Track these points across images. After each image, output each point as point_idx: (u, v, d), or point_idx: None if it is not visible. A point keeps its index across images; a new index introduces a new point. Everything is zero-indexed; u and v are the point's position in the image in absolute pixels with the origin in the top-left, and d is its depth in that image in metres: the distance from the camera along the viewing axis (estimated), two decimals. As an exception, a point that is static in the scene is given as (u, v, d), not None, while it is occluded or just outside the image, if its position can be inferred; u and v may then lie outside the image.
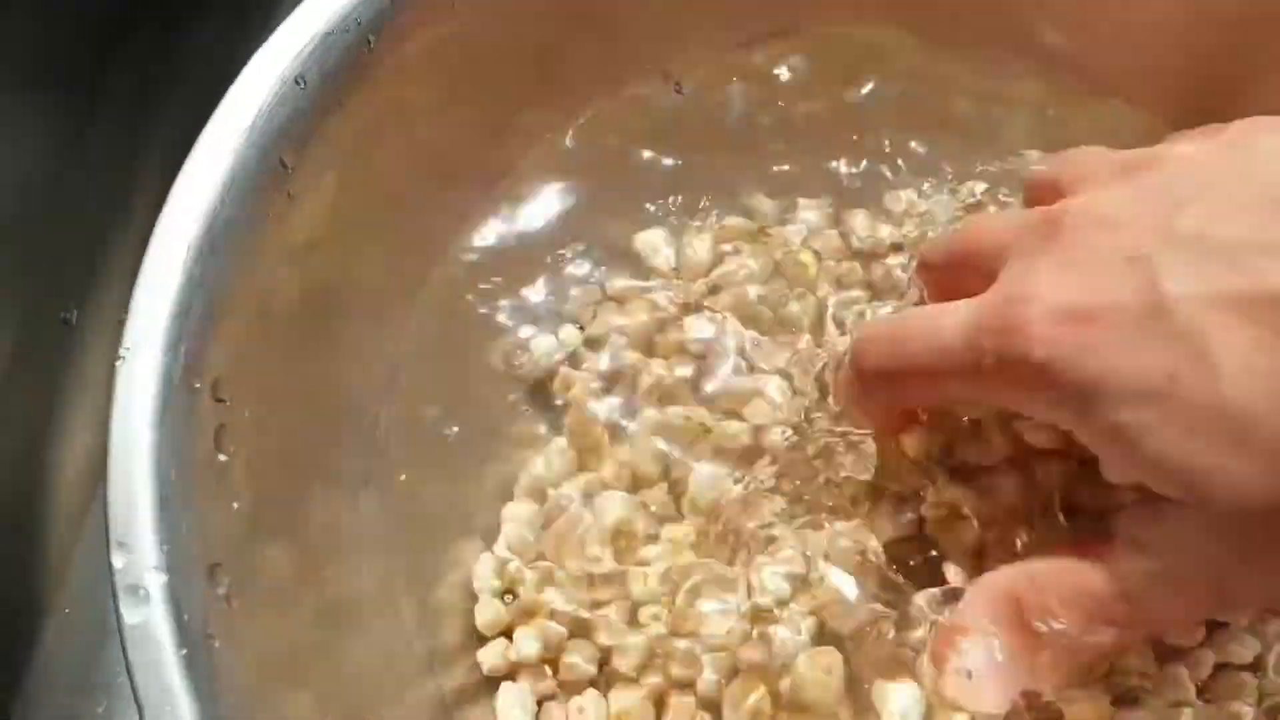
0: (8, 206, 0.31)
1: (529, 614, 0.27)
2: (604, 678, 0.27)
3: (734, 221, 0.32)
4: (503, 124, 0.30)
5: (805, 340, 0.29)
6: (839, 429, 0.26)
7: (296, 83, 0.25)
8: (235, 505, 0.22)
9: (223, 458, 0.23)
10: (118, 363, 0.22)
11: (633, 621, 0.27)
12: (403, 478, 0.28)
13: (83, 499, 0.33)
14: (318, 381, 0.26)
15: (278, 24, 0.25)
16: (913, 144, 0.32)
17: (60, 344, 0.34)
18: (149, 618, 0.19)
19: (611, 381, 0.30)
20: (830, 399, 0.27)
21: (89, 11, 0.33)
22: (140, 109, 0.34)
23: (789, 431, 0.28)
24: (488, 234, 0.30)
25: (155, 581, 0.20)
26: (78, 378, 0.34)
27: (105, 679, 0.31)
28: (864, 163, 0.32)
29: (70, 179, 0.33)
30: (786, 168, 0.32)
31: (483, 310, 0.30)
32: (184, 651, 0.19)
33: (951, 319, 0.21)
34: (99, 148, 0.33)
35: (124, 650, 0.19)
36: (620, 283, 0.31)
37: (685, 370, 0.29)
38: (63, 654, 0.31)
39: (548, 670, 0.27)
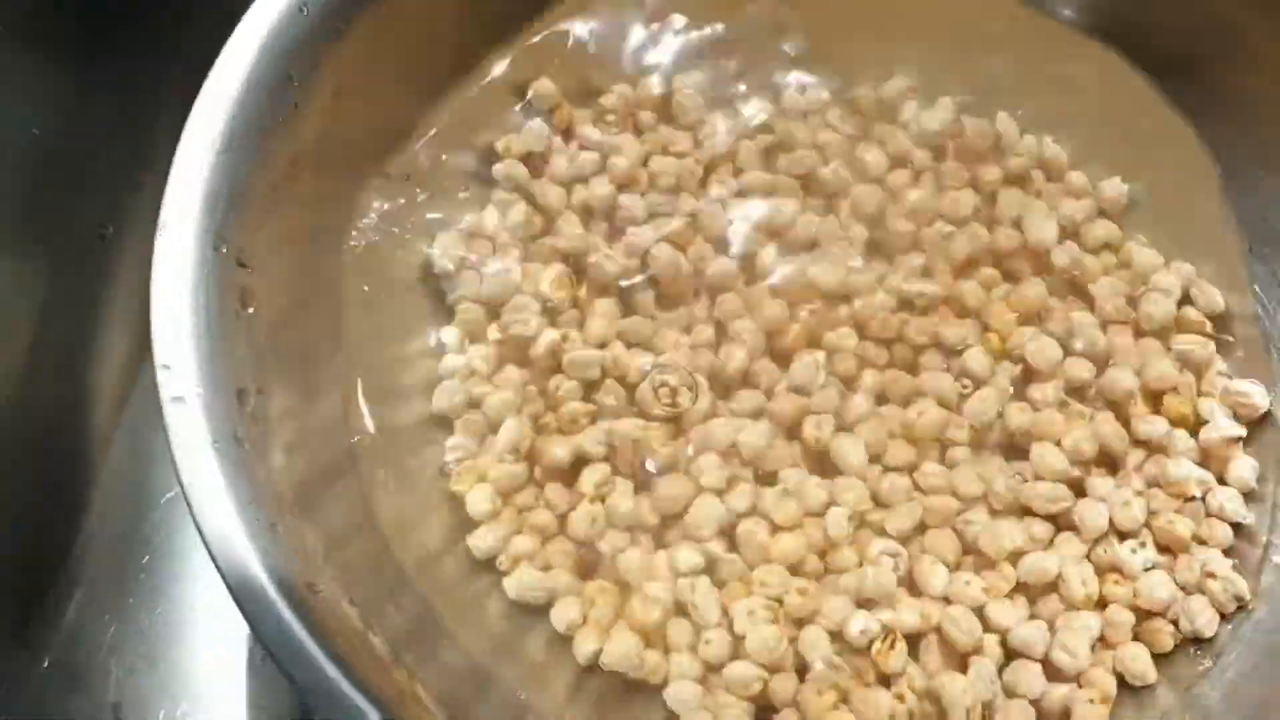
0: (45, 130, 0.36)
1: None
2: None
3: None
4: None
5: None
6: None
7: (300, 10, 0.30)
8: (257, 349, 0.28)
9: (249, 310, 0.28)
10: (157, 235, 0.27)
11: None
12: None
13: (122, 389, 0.38)
14: (322, 251, 0.31)
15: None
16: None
17: (97, 258, 0.39)
18: (189, 416, 0.25)
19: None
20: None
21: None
22: (162, 37, 0.39)
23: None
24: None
25: (193, 392, 0.25)
26: (115, 288, 0.39)
27: (147, 535, 0.36)
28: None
29: (100, 103, 0.38)
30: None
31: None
32: (217, 443, 0.25)
33: None
34: (125, 73, 0.38)
35: (169, 444, 0.25)
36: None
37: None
38: (109, 516, 0.37)
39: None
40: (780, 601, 0.29)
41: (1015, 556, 0.30)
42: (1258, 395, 0.32)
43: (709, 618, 0.29)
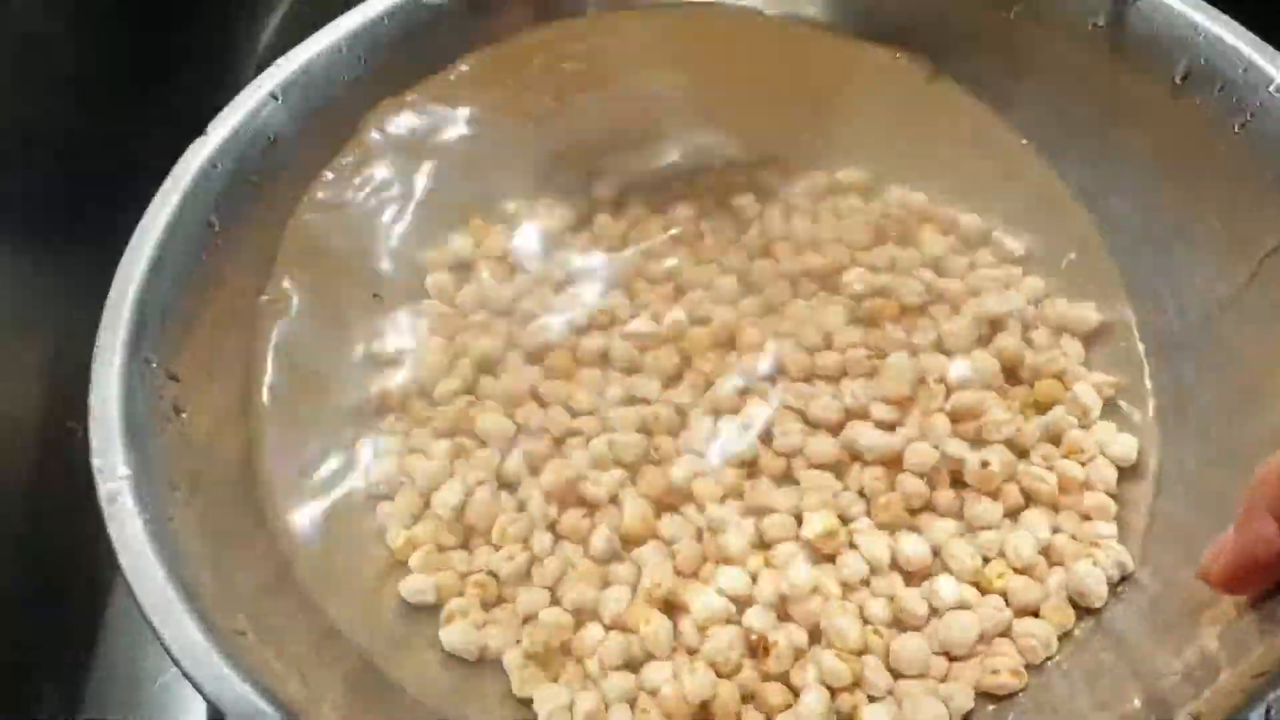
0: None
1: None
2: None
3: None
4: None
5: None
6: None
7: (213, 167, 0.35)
8: (189, 445, 0.31)
9: (183, 415, 0.31)
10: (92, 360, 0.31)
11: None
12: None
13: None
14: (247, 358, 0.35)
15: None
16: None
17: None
18: (122, 503, 0.28)
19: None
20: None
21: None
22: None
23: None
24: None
25: (125, 486, 0.28)
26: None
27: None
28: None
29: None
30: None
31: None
32: (149, 524, 0.27)
33: None
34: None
35: (108, 531, 0.27)
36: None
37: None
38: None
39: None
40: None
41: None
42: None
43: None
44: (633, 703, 0.31)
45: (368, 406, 0.37)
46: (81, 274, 0.33)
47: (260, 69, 0.37)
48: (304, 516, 0.33)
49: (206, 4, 0.46)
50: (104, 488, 0.28)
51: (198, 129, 0.35)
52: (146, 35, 0.44)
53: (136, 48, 0.43)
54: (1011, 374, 0.36)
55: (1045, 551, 0.33)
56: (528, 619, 0.33)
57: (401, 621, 0.33)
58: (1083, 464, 0.34)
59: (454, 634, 0.32)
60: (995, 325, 0.37)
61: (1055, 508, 0.33)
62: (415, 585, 0.33)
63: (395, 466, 0.36)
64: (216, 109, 0.35)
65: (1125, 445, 0.34)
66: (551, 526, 0.34)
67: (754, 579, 0.32)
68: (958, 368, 0.35)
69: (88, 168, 0.41)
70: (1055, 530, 0.33)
